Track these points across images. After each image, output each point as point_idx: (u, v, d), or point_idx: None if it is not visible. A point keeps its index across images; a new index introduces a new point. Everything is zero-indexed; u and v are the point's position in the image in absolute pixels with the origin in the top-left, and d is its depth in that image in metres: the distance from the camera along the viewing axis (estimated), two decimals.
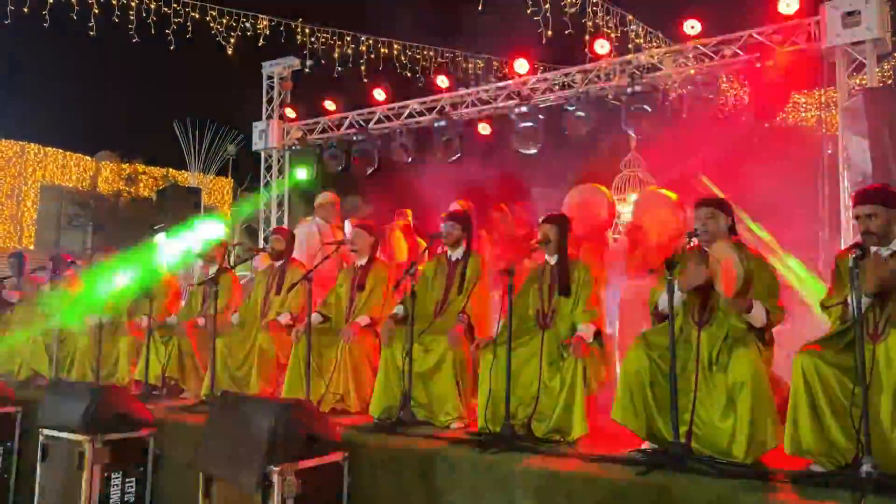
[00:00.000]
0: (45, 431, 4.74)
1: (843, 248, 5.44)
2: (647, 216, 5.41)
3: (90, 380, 6.32)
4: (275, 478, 3.49)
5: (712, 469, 3.28)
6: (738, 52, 7.40)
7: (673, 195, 5.94)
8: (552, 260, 4.62)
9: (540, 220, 4.78)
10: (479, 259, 5.10)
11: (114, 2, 10.46)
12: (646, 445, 3.72)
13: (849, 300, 3.30)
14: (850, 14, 6.63)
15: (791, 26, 7.07)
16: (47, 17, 10.36)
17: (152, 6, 10.76)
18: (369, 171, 9.58)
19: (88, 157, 24.64)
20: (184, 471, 4.32)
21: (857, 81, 6.98)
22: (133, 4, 10.60)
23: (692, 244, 3.96)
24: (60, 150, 23.93)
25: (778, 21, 7.13)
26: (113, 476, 4.57)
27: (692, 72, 7.63)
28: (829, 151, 7.71)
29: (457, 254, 5.16)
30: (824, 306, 3.61)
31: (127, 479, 4.64)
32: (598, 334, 4.33)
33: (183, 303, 6.83)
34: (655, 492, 3.14)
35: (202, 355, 5.95)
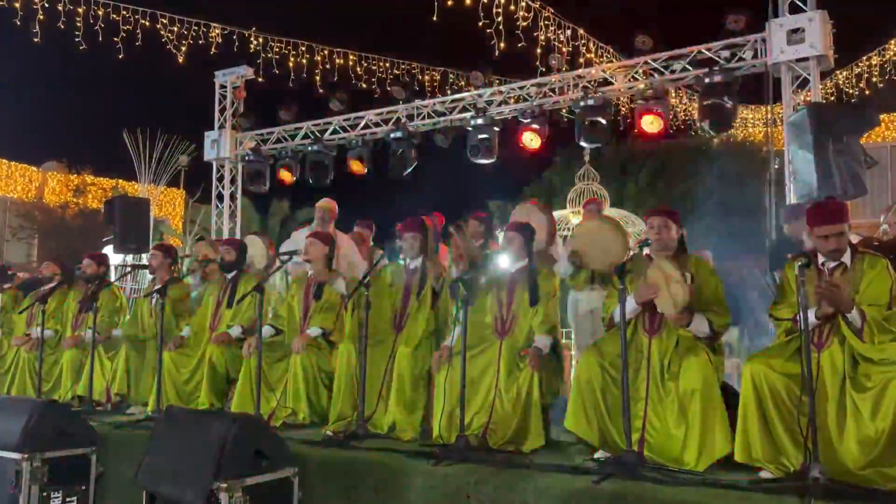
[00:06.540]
0: None
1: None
2: (587, 245, 5.06)
3: (32, 395, 6.08)
4: (221, 495, 3.37)
5: (664, 477, 3.29)
6: (688, 67, 7.54)
7: (612, 219, 5.81)
8: (512, 268, 4.59)
9: (504, 228, 4.75)
10: (438, 268, 5.04)
11: (59, 7, 10.19)
12: (599, 454, 3.73)
13: (797, 317, 3.35)
14: (794, 31, 6.84)
15: (738, 43, 7.25)
16: None
17: (100, 13, 10.50)
18: (325, 181, 9.50)
19: (34, 168, 23.88)
20: (129, 489, 4.15)
21: (802, 97, 7.18)
22: (80, 11, 10.33)
23: (645, 253, 4.00)
24: (4, 160, 23.11)
25: (725, 37, 7.30)
26: (52, 495, 4.38)
27: (642, 87, 7.76)
28: (777, 166, 7.88)
29: (416, 262, 5.10)
30: (773, 316, 3.69)
31: (67, 499, 4.45)
32: (554, 346, 4.33)
33: (128, 315, 6.63)
34: (608, 501, 3.14)
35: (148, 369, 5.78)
